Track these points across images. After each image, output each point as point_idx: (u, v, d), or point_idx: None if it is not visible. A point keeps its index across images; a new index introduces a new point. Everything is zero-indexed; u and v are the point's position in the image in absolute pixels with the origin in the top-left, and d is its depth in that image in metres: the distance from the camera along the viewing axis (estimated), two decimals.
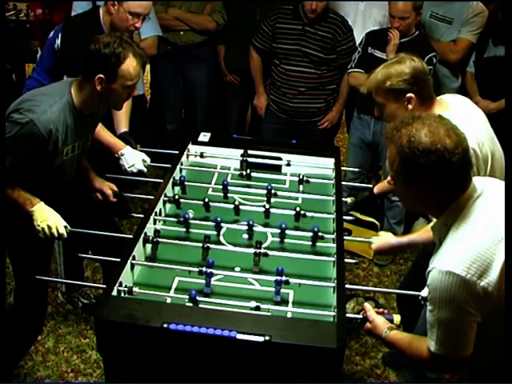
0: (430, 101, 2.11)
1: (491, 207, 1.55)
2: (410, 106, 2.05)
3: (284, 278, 1.90)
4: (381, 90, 2.07)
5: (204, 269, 1.92)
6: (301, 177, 2.59)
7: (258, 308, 1.82)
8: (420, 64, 2.09)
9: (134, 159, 2.57)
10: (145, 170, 2.61)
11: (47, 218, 2.09)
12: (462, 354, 1.53)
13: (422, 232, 2.15)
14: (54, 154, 2.09)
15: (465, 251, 1.47)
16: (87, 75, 2.07)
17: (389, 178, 1.64)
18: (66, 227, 2.12)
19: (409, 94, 2.04)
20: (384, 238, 2.24)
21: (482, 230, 1.51)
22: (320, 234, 2.19)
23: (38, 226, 2.09)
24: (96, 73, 2.03)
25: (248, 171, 2.64)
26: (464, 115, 2.08)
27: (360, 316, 1.82)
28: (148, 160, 2.63)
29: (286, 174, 2.71)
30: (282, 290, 1.94)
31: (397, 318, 1.80)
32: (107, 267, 2.68)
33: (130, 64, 2.05)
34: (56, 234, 2.10)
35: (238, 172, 2.70)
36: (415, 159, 1.47)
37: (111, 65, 2.02)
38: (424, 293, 1.80)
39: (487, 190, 1.59)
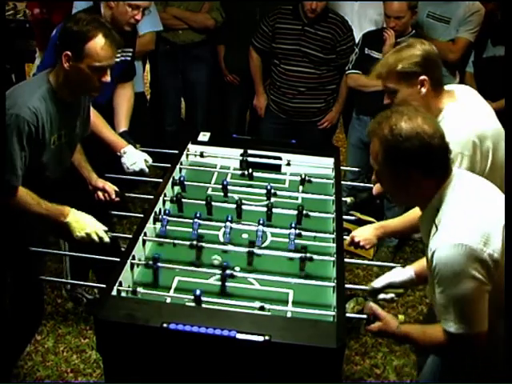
0: (441, 86, 2.09)
1: (475, 187, 1.63)
2: (423, 90, 2.02)
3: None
4: (392, 75, 2.02)
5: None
6: (303, 176, 2.59)
7: (262, 308, 1.83)
8: (431, 47, 2.07)
9: (135, 158, 2.57)
10: (146, 169, 2.60)
11: (84, 226, 2.10)
12: (482, 329, 1.53)
13: (404, 217, 2.18)
14: (43, 145, 2.07)
15: (465, 224, 1.52)
16: (58, 53, 2.03)
17: (373, 176, 1.67)
18: (106, 231, 2.12)
19: (422, 77, 2.01)
20: (361, 230, 2.24)
21: (474, 204, 1.57)
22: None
23: (77, 236, 2.09)
24: (64, 49, 2.00)
25: (250, 171, 2.63)
26: (471, 107, 2.09)
27: (365, 316, 1.82)
28: (150, 160, 2.63)
29: (285, 174, 2.71)
30: (282, 290, 1.95)
31: (401, 317, 1.82)
32: (98, 269, 2.67)
33: (98, 43, 1.98)
34: (97, 239, 2.10)
35: (239, 172, 2.69)
36: (398, 145, 1.53)
37: (78, 42, 1.98)
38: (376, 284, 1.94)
39: (461, 178, 1.64)
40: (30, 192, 2.07)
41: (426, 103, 2.01)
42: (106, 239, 2.12)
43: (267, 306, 1.84)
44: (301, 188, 2.60)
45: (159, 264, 1.96)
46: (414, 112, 1.59)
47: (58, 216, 2.10)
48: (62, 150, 2.21)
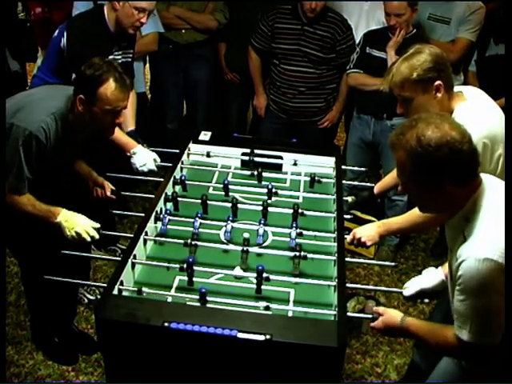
0: (452, 88, 2.07)
1: (502, 199, 1.56)
2: (438, 95, 2.00)
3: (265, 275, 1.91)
4: (408, 84, 1.99)
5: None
6: (312, 176, 2.58)
7: (267, 308, 1.83)
8: (438, 50, 2.05)
9: (145, 159, 2.60)
10: (155, 169, 2.62)
11: (74, 225, 2.13)
12: (494, 342, 1.52)
13: (407, 215, 2.16)
14: (44, 156, 2.12)
15: (497, 239, 1.48)
16: (74, 95, 2.12)
17: (400, 187, 1.63)
18: (98, 229, 2.14)
19: (437, 82, 1.99)
20: (363, 227, 2.23)
21: (504, 218, 1.51)
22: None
23: (67, 235, 2.13)
24: (78, 93, 2.09)
25: (260, 170, 2.61)
26: (481, 107, 2.08)
27: (370, 316, 1.84)
28: (158, 160, 2.64)
29: (286, 173, 2.71)
30: (282, 289, 1.95)
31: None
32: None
33: (109, 88, 2.06)
34: (88, 238, 2.13)
35: (245, 172, 2.68)
36: (429, 156, 1.47)
37: (90, 86, 2.06)
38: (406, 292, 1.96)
39: (492, 184, 1.60)
40: (27, 194, 2.13)
41: (440, 107, 2.00)
42: (96, 236, 2.15)
43: (272, 305, 1.85)
44: (302, 187, 2.59)
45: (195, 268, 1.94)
46: (440, 118, 1.53)
47: (49, 216, 2.15)
48: (63, 159, 2.27)
